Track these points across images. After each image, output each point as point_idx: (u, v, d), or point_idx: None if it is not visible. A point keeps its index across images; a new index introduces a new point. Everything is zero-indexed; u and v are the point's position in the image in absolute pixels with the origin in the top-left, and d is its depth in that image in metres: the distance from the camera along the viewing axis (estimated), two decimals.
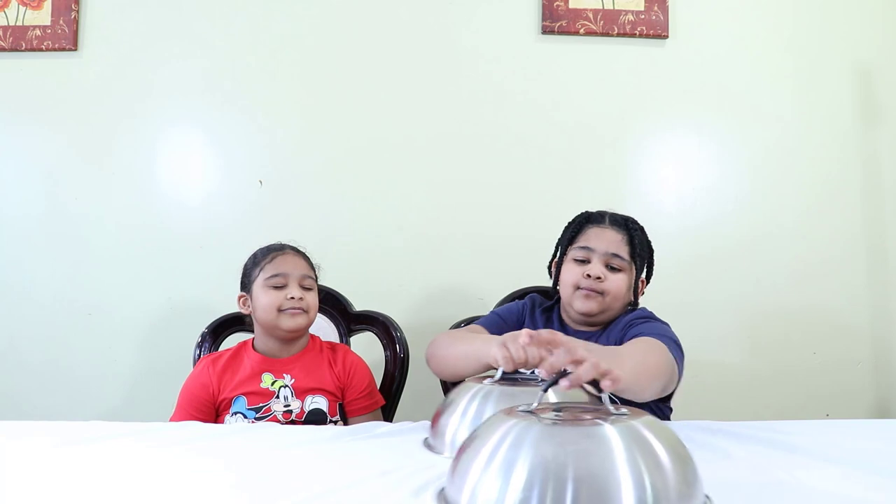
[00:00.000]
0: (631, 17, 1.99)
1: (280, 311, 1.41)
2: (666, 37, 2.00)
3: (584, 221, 1.40)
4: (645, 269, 1.41)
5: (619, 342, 1.28)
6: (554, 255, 1.45)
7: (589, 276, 1.31)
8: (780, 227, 2.02)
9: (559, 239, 1.45)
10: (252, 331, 1.53)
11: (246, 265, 1.51)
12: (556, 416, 0.75)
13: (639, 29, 1.99)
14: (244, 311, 1.49)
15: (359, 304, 1.71)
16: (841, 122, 2.04)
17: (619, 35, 1.99)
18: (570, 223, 1.43)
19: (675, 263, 1.99)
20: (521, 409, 0.77)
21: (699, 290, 1.99)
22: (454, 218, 1.98)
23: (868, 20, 2.05)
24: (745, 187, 2.03)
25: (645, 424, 0.72)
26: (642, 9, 1.99)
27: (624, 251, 1.34)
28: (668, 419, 1.32)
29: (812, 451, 0.94)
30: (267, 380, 1.42)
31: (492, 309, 1.68)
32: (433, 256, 1.98)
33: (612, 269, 1.33)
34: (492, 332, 1.30)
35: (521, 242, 1.91)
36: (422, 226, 1.98)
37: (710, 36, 2.03)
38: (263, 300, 1.42)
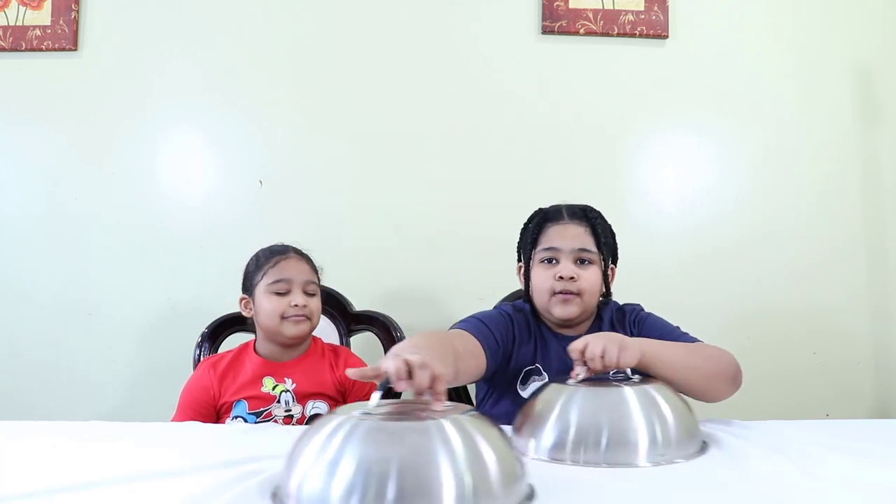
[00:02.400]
0: (631, 17, 1.99)
1: (283, 318, 1.39)
2: (666, 37, 2.00)
3: (542, 221, 1.35)
4: (612, 256, 1.37)
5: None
6: (519, 260, 1.40)
7: (561, 277, 1.26)
8: (780, 227, 2.02)
9: (519, 243, 1.39)
10: (253, 331, 1.52)
11: (248, 267, 1.49)
12: (386, 413, 0.77)
13: (639, 29, 1.99)
14: (246, 314, 1.48)
15: (359, 304, 1.71)
16: (841, 122, 2.04)
17: (619, 35, 1.99)
18: (526, 224, 1.38)
19: (675, 263, 2.00)
20: (355, 410, 0.78)
21: (699, 290, 1.99)
22: (454, 217, 1.98)
23: (868, 20, 2.05)
24: (745, 187, 2.03)
25: (470, 420, 0.76)
26: (642, 9, 1.99)
27: (590, 243, 1.30)
28: None
29: (812, 451, 0.94)
30: (268, 384, 1.41)
31: (493, 306, 1.68)
32: (433, 256, 1.98)
33: (582, 263, 1.29)
34: (481, 341, 1.23)
35: None
36: (422, 225, 1.98)
37: (710, 36, 2.03)
38: (266, 306, 1.40)
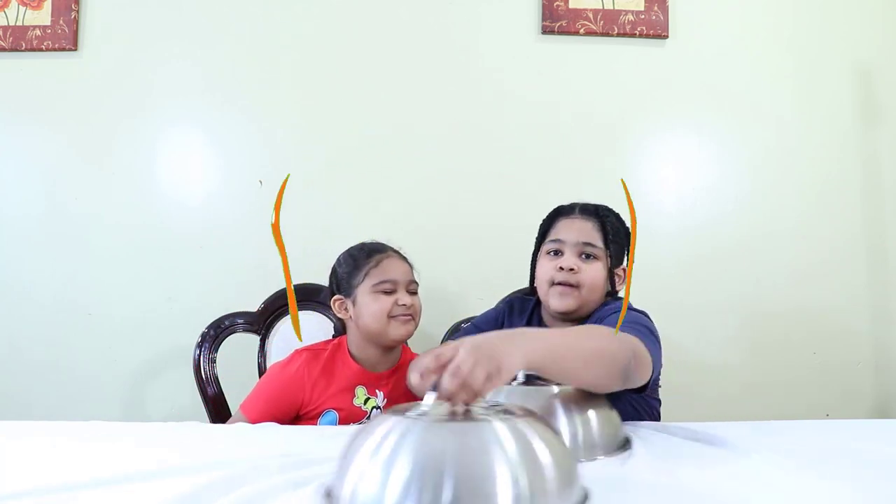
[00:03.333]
0: (631, 17, 1.99)
1: (390, 317, 1.36)
2: (666, 37, 2.00)
3: (555, 215, 1.37)
4: (626, 256, 1.36)
5: None
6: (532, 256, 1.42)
7: (562, 268, 1.27)
8: (780, 227, 2.02)
9: (536, 238, 1.41)
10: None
11: (341, 267, 1.44)
12: (438, 414, 0.74)
13: (639, 29, 1.99)
14: (342, 316, 1.42)
15: None
16: (841, 122, 2.03)
17: (619, 35, 1.99)
18: (543, 220, 1.41)
19: (675, 263, 2.00)
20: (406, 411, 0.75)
21: (699, 290, 1.99)
22: (454, 218, 1.98)
23: (868, 20, 2.05)
24: (745, 187, 2.03)
25: (525, 423, 0.73)
26: (642, 9, 1.99)
27: (596, 238, 1.30)
28: (657, 411, 1.29)
29: (811, 452, 0.94)
30: (360, 395, 1.36)
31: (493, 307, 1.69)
32: (434, 256, 1.97)
33: (586, 258, 1.29)
34: None
35: (522, 243, 1.91)
36: (422, 226, 1.98)
37: (710, 36, 2.03)
38: (373, 307, 1.36)
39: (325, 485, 0.77)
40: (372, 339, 1.38)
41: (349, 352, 1.41)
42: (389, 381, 1.39)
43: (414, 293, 1.42)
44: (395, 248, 1.47)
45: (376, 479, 0.68)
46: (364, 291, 1.37)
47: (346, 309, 1.41)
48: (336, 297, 1.42)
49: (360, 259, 1.41)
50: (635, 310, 1.31)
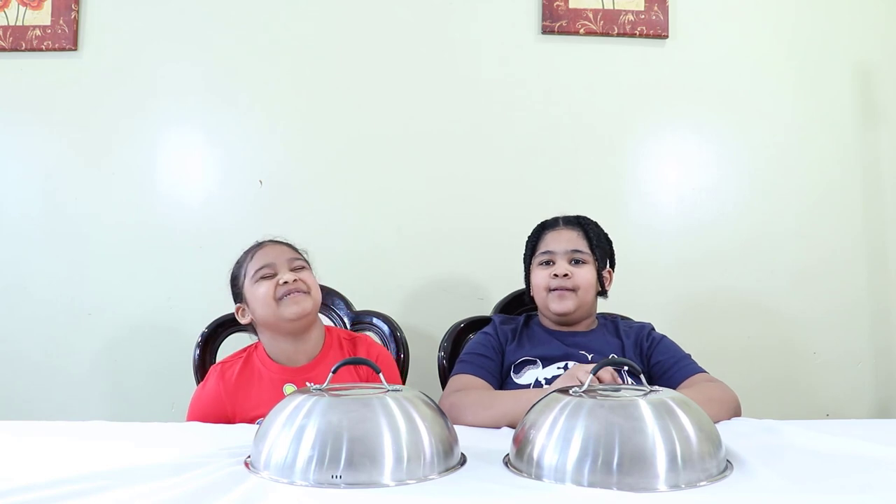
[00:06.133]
0: (631, 17, 1.99)
1: (278, 300, 1.31)
2: (666, 37, 2.00)
3: (540, 230, 1.49)
4: (608, 260, 1.50)
5: (638, 348, 1.39)
6: (525, 270, 1.53)
7: (556, 275, 1.39)
8: (781, 228, 2.02)
9: (524, 254, 1.53)
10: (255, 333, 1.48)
11: (232, 275, 1.43)
12: (340, 391, 0.92)
13: (639, 29, 1.99)
14: (243, 321, 1.41)
15: (359, 304, 1.71)
16: (841, 123, 2.03)
17: (619, 35, 1.99)
18: (529, 236, 1.52)
19: (675, 263, 2.00)
20: (313, 387, 0.94)
21: (699, 290, 1.99)
22: (454, 217, 1.98)
23: (869, 21, 2.05)
24: (745, 187, 2.03)
25: (413, 396, 0.92)
26: (642, 9, 1.99)
27: (583, 245, 1.43)
28: None
29: (811, 451, 0.94)
30: (289, 392, 1.34)
31: (492, 309, 1.69)
32: (433, 256, 1.98)
33: (576, 263, 1.41)
34: (487, 377, 1.33)
35: (522, 242, 1.91)
36: (422, 225, 1.98)
37: (710, 36, 2.03)
38: (258, 294, 1.32)
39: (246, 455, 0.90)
40: (273, 329, 1.35)
41: (267, 354, 1.38)
42: (318, 370, 1.33)
43: (301, 268, 1.37)
44: (282, 238, 1.45)
45: (286, 444, 0.84)
46: (249, 286, 1.36)
47: (244, 312, 1.39)
48: (236, 305, 1.41)
49: (241, 260, 1.41)
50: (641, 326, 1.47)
